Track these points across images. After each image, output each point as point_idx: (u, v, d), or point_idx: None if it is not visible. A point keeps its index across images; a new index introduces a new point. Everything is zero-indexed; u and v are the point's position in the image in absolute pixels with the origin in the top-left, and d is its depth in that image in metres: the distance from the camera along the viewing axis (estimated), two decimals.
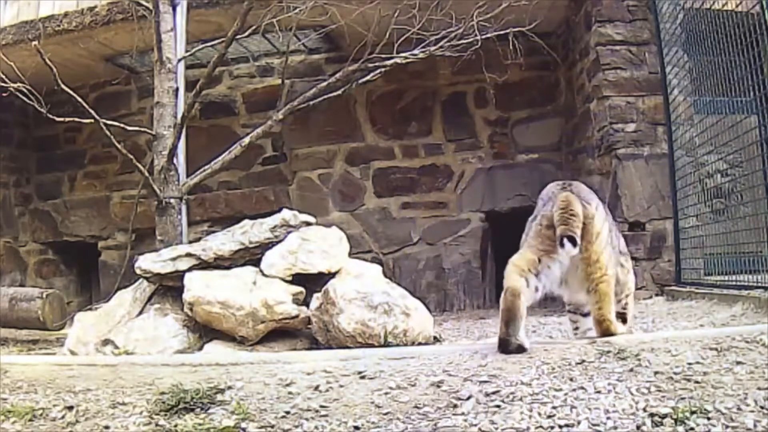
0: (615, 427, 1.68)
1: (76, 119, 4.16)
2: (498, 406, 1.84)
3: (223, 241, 3.57)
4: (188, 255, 3.50)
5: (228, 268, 3.51)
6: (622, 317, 2.66)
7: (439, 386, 2.01)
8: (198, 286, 3.32)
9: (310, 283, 3.44)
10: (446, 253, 6.18)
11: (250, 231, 3.60)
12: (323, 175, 6.41)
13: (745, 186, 4.11)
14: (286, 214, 3.69)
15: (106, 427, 1.93)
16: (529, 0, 4.62)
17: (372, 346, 3.06)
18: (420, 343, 3.19)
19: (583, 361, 2.10)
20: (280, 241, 3.55)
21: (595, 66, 5.07)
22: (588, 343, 2.30)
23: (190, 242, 4.00)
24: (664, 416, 1.68)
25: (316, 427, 1.83)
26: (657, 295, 4.67)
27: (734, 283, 3.83)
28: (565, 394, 1.87)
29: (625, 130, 4.89)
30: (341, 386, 2.08)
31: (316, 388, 2.08)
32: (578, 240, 2.39)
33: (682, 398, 1.77)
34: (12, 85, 3.86)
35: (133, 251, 5.02)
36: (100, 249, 6.89)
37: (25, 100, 3.90)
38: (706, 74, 4.25)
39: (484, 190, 6.18)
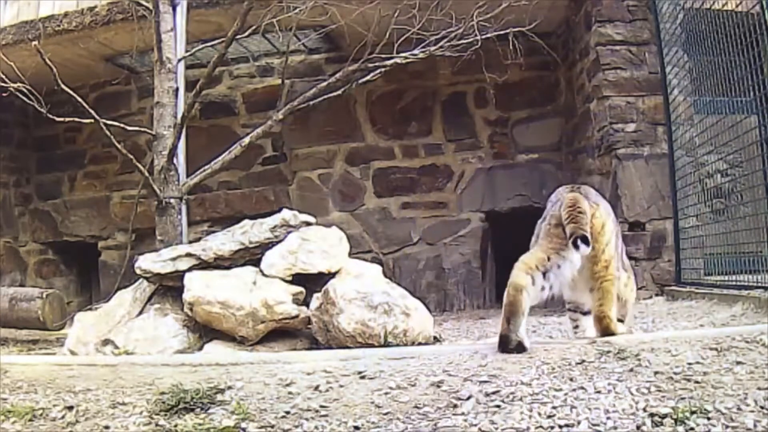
0: (615, 427, 1.68)
1: (76, 119, 4.16)
2: (498, 406, 1.84)
3: (223, 241, 3.57)
4: (188, 255, 3.50)
5: (228, 268, 3.51)
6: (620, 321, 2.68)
7: (439, 386, 2.01)
8: (198, 286, 3.32)
9: (310, 283, 3.44)
10: (446, 253, 6.18)
11: (250, 231, 3.60)
12: (323, 175, 6.41)
13: (745, 186, 4.11)
14: (286, 214, 3.69)
15: (106, 427, 1.93)
16: (529, 0, 4.62)
17: (372, 346, 3.06)
18: (420, 343, 3.19)
19: (583, 361, 2.10)
20: (280, 241, 3.55)
21: (595, 66, 5.07)
22: (588, 343, 2.30)
23: (190, 242, 4.00)
24: (664, 416, 1.68)
25: (316, 427, 1.84)
26: (657, 295, 4.67)
27: (734, 283, 3.83)
28: (565, 394, 1.87)
29: (625, 130, 4.89)
30: (341, 386, 2.08)
31: (316, 388, 2.08)
32: (590, 238, 2.41)
33: (682, 398, 1.77)
34: (12, 85, 3.86)
35: (133, 251, 5.02)
36: (100, 249, 6.89)
37: (25, 100, 3.90)
38: (706, 74, 4.25)
39: (484, 190, 6.18)
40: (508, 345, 2.30)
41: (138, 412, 2.01)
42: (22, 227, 7.06)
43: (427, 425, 1.79)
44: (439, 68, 6.12)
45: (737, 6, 3.82)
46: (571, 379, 1.97)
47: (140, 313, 3.54)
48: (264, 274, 3.43)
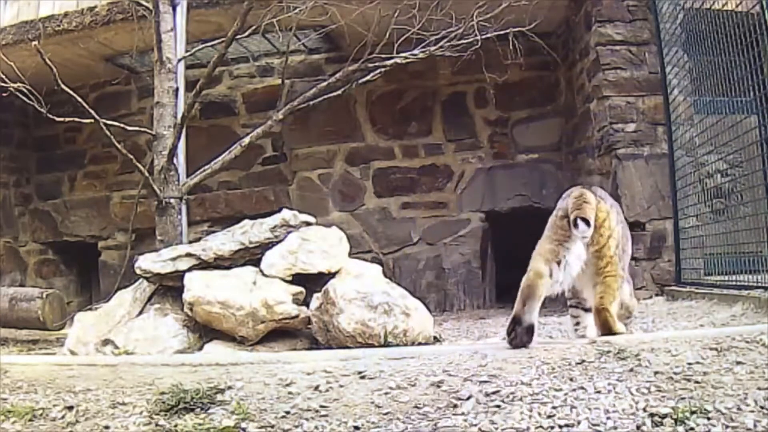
0: (615, 427, 1.68)
1: (76, 119, 4.16)
2: (498, 406, 1.84)
3: (223, 241, 3.57)
4: (188, 255, 3.50)
5: (228, 268, 3.51)
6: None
7: (439, 386, 2.01)
8: (198, 286, 3.32)
9: (310, 283, 3.44)
10: (446, 253, 6.18)
11: (250, 231, 3.60)
12: (323, 175, 6.41)
13: (745, 186, 4.11)
14: (286, 214, 3.69)
15: (106, 427, 1.93)
16: (529, 0, 4.62)
17: (372, 346, 3.06)
18: (420, 343, 3.19)
19: (583, 361, 2.10)
20: (280, 241, 3.55)
21: (595, 66, 5.07)
22: (588, 343, 2.30)
23: (190, 242, 4.00)
24: (664, 416, 1.68)
25: (316, 427, 1.84)
26: (657, 295, 4.67)
27: (734, 283, 3.83)
28: (565, 394, 1.87)
29: (625, 130, 4.89)
30: (341, 386, 2.08)
31: (316, 388, 2.08)
32: (592, 222, 2.46)
33: (682, 398, 1.77)
34: (12, 85, 3.86)
35: (133, 251, 5.02)
36: (100, 249, 6.89)
37: (25, 100, 3.90)
38: (706, 74, 4.25)
39: (484, 190, 6.18)
40: (521, 324, 2.35)
41: (138, 412, 2.01)
42: (22, 227, 7.06)
43: (427, 425, 1.79)
44: (439, 68, 6.12)
45: (737, 6, 3.82)
46: (571, 379, 1.97)
47: (140, 313, 3.54)
48: (264, 274, 3.43)
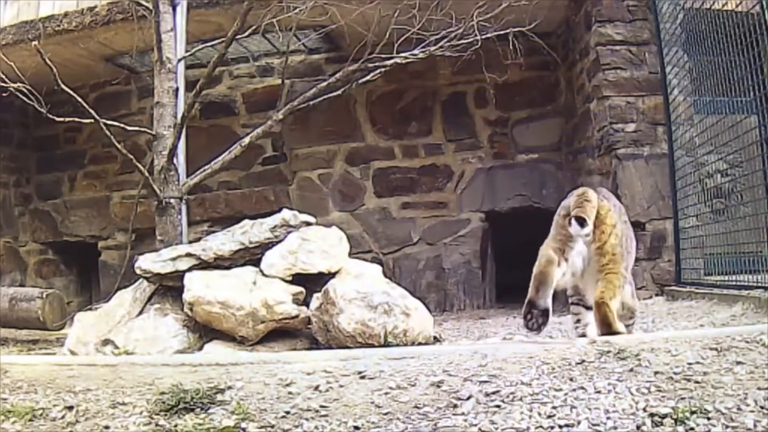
0: (615, 427, 1.68)
1: (76, 119, 4.16)
2: (498, 406, 1.84)
3: (223, 241, 3.56)
4: (188, 255, 3.50)
5: (228, 268, 3.51)
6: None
7: (439, 386, 2.01)
8: (198, 286, 3.32)
9: (310, 283, 3.44)
10: (446, 253, 6.18)
11: (250, 231, 3.59)
12: (323, 175, 6.42)
13: (745, 186, 4.11)
14: (286, 214, 3.68)
15: (106, 427, 1.93)
16: (529, 0, 4.62)
17: (372, 346, 3.06)
18: (420, 343, 3.19)
19: (583, 361, 2.10)
20: (280, 241, 3.55)
21: (595, 66, 5.07)
22: (588, 343, 2.30)
23: (190, 242, 4.00)
24: (664, 416, 1.68)
25: (316, 427, 1.84)
26: (657, 295, 4.67)
27: (734, 283, 3.83)
28: (565, 394, 1.87)
29: (625, 130, 4.89)
30: (341, 386, 2.08)
31: (316, 388, 2.08)
32: (588, 222, 2.52)
33: (682, 398, 1.77)
34: (12, 85, 3.86)
35: (133, 251, 5.02)
36: (100, 249, 6.89)
37: (25, 100, 3.90)
38: (706, 74, 4.25)
39: (484, 190, 6.18)
40: (536, 308, 2.46)
41: (138, 412, 2.01)
42: (22, 227, 7.06)
43: (427, 425, 1.79)
44: (439, 68, 6.12)
45: (737, 6, 3.82)
46: (571, 379, 1.97)
47: (140, 313, 3.54)
48: (264, 274, 3.43)
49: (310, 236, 3.57)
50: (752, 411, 1.67)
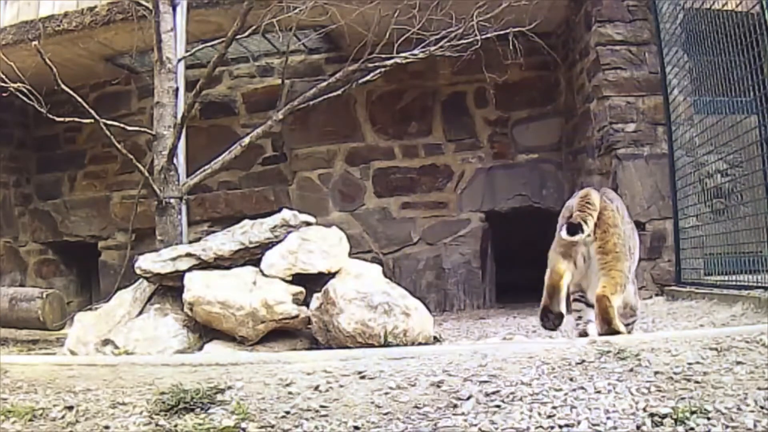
0: (615, 427, 1.68)
1: (76, 119, 4.16)
2: (498, 406, 1.84)
3: (223, 241, 3.56)
4: (188, 255, 3.50)
5: (228, 268, 3.51)
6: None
7: (439, 386, 2.01)
8: (198, 286, 3.32)
9: (310, 283, 3.44)
10: (446, 253, 6.18)
11: (250, 231, 3.59)
12: (323, 175, 6.42)
13: (745, 186, 4.11)
14: (286, 214, 3.68)
15: (106, 427, 1.93)
16: (529, 0, 4.62)
17: (372, 346, 3.06)
18: (420, 343, 3.19)
19: (583, 361, 2.10)
20: (280, 241, 3.55)
21: (595, 66, 5.07)
22: (588, 343, 2.30)
23: (190, 242, 4.00)
24: (664, 416, 1.68)
25: (316, 427, 1.84)
26: (657, 295, 4.67)
27: (734, 283, 3.83)
28: (565, 394, 1.87)
29: (625, 130, 4.89)
30: (341, 386, 2.08)
31: (316, 388, 2.08)
32: (585, 227, 2.60)
33: (682, 398, 1.77)
34: (12, 85, 3.86)
35: (133, 251, 5.02)
36: (100, 249, 6.89)
37: (25, 100, 3.90)
38: (706, 74, 4.25)
39: (484, 190, 6.18)
40: (552, 312, 2.68)
41: (138, 412, 2.01)
42: (22, 227, 7.07)
43: (427, 425, 1.79)
44: (439, 68, 6.12)
45: (737, 6, 3.82)
46: (571, 379, 1.97)
47: (140, 313, 3.54)
48: (264, 274, 3.43)
49: (310, 236, 3.57)
50: (752, 411, 1.67)
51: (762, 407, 1.68)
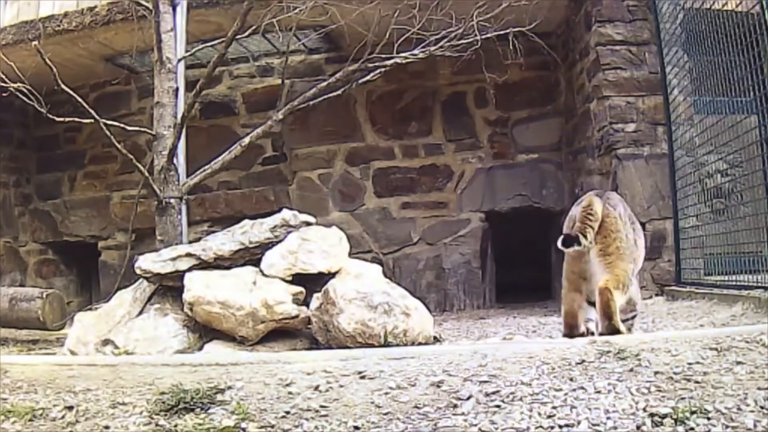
0: (615, 427, 1.68)
1: (76, 119, 4.16)
2: (498, 406, 1.84)
3: (223, 241, 3.56)
4: (188, 255, 3.50)
5: (228, 268, 3.51)
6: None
7: (439, 386, 2.01)
8: (198, 286, 3.32)
9: (310, 283, 3.44)
10: (446, 253, 6.18)
11: (250, 231, 3.59)
12: (323, 175, 6.42)
13: (745, 186, 4.11)
14: (286, 214, 3.68)
15: (106, 427, 1.93)
16: (529, 0, 4.62)
17: (372, 346, 3.06)
18: (420, 343, 3.19)
19: (583, 361, 2.10)
20: (280, 241, 3.55)
21: (595, 66, 5.07)
22: (588, 343, 2.30)
23: (190, 242, 4.00)
24: (664, 416, 1.68)
25: (316, 427, 1.84)
26: (657, 295, 4.67)
27: (734, 283, 3.83)
28: (565, 394, 1.87)
29: (625, 130, 4.89)
30: (341, 386, 2.08)
31: (316, 388, 2.08)
32: (582, 240, 2.68)
33: (682, 398, 1.77)
34: (12, 85, 3.86)
35: (133, 251, 5.02)
36: (100, 249, 6.89)
37: (25, 100, 3.90)
38: (706, 74, 4.25)
39: (484, 190, 6.18)
40: (576, 330, 2.84)
41: (138, 412, 2.01)
42: (22, 227, 7.07)
43: (427, 425, 1.79)
44: (439, 68, 6.12)
45: (737, 6, 3.82)
46: (571, 379, 1.97)
47: (140, 313, 3.54)
48: (264, 274, 3.43)
49: (310, 236, 3.57)
50: (752, 411, 1.67)
51: (762, 407, 1.68)
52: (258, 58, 6.48)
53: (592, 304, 2.84)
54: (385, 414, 1.88)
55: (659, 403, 1.75)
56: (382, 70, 4.44)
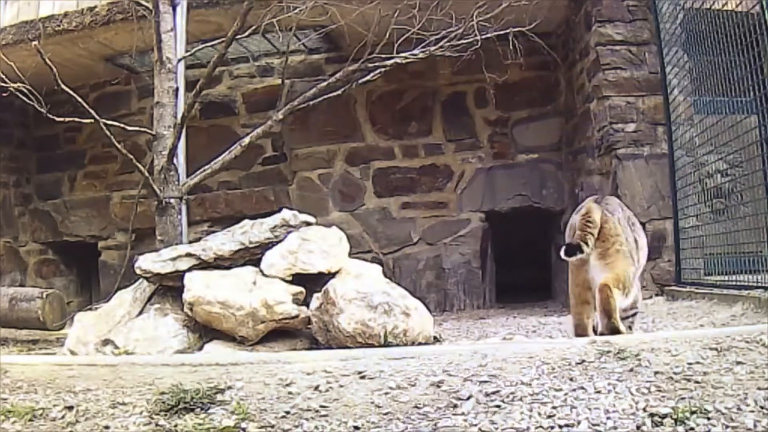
0: (615, 427, 1.68)
1: (76, 119, 4.16)
2: (498, 406, 1.84)
3: (223, 241, 3.56)
4: (188, 255, 3.50)
5: (228, 268, 3.51)
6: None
7: (439, 386, 2.01)
8: (198, 286, 3.32)
9: (310, 283, 3.44)
10: (446, 253, 6.18)
11: (250, 231, 3.59)
12: (323, 175, 6.42)
13: (745, 186, 4.11)
14: (286, 214, 3.68)
15: (106, 427, 1.93)
16: (529, 0, 4.62)
17: (372, 346, 3.06)
18: (420, 343, 3.19)
19: (583, 361, 2.10)
20: (280, 241, 3.55)
21: (595, 66, 5.07)
22: (588, 343, 2.30)
23: (190, 242, 4.00)
24: (664, 416, 1.68)
25: (316, 427, 1.84)
26: (657, 295, 4.67)
27: (734, 283, 3.83)
28: (565, 394, 1.87)
29: (625, 130, 4.89)
30: (341, 386, 2.08)
31: (316, 388, 2.08)
32: (584, 248, 2.73)
33: (682, 398, 1.77)
34: (12, 85, 3.86)
35: (133, 251, 5.02)
36: (100, 249, 6.89)
37: (25, 100, 3.90)
38: (706, 74, 4.25)
39: (484, 190, 6.18)
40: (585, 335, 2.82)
41: (138, 412, 2.01)
42: (22, 227, 7.07)
43: (427, 425, 1.79)
44: (439, 68, 6.12)
45: (737, 6, 3.82)
46: (571, 379, 1.97)
47: (140, 313, 3.54)
48: (264, 274, 3.43)
49: (310, 236, 3.57)
50: (752, 411, 1.67)
51: (762, 407, 1.68)
52: (258, 58, 6.48)
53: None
54: (385, 414, 1.88)
55: (659, 403, 1.75)
56: (382, 70, 4.44)
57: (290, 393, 2.06)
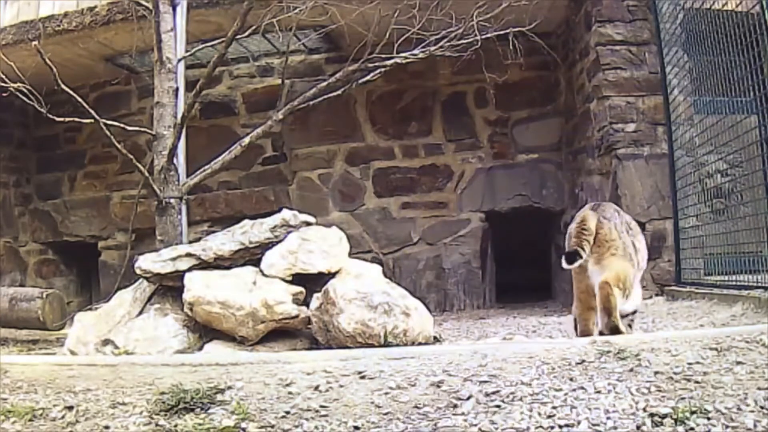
0: (615, 427, 1.68)
1: (76, 119, 4.16)
2: (498, 406, 1.84)
3: (223, 241, 3.56)
4: (188, 255, 3.50)
5: (228, 268, 3.51)
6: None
7: (439, 386, 2.01)
8: (198, 286, 3.32)
9: (310, 283, 3.44)
10: (446, 253, 6.18)
11: (250, 231, 3.59)
12: (323, 175, 6.42)
13: (745, 186, 4.11)
14: (286, 214, 3.68)
15: (106, 427, 1.93)
16: (529, 0, 4.62)
17: (372, 346, 3.06)
18: (420, 343, 3.19)
19: (583, 361, 2.10)
20: (280, 241, 3.55)
21: (595, 66, 5.07)
22: (588, 343, 2.30)
23: (190, 242, 4.00)
24: (664, 416, 1.68)
25: (316, 427, 1.84)
26: (657, 295, 4.67)
27: (734, 283, 3.83)
28: (565, 394, 1.87)
29: (625, 130, 4.89)
30: (341, 386, 2.08)
31: (316, 388, 2.08)
32: (582, 253, 2.77)
33: (682, 398, 1.77)
34: (12, 85, 3.86)
35: (133, 251, 5.02)
36: (100, 249, 6.90)
37: (25, 100, 3.90)
38: (706, 74, 4.25)
39: (484, 190, 6.18)
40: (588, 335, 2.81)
41: (138, 412, 2.01)
42: (22, 227, 7.07)
43: (427, 425, 1.79)
44: (439, 68, 6.12)
45: (737, 6, 3.82)
46: (571, 379, 1.97)
47: (140, 313, 3.54)
48: (264, 274, 3.43)
49: (310, 236, 3.57)
50: (752, 411, 1.67)
51: (762, 407, 1.68)
52: (258, 58, 6.48)
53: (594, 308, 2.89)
54: (385, 414, 1.88)
55: (659, 403, 1.75)
56: (382, 70, 4.44)
57: (290, 393, 2.06)
